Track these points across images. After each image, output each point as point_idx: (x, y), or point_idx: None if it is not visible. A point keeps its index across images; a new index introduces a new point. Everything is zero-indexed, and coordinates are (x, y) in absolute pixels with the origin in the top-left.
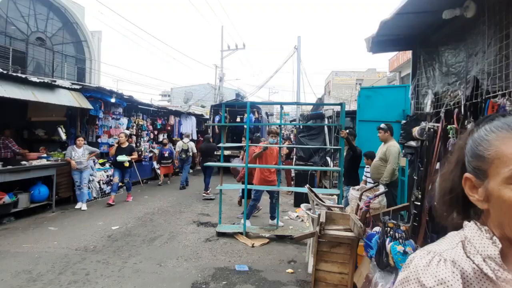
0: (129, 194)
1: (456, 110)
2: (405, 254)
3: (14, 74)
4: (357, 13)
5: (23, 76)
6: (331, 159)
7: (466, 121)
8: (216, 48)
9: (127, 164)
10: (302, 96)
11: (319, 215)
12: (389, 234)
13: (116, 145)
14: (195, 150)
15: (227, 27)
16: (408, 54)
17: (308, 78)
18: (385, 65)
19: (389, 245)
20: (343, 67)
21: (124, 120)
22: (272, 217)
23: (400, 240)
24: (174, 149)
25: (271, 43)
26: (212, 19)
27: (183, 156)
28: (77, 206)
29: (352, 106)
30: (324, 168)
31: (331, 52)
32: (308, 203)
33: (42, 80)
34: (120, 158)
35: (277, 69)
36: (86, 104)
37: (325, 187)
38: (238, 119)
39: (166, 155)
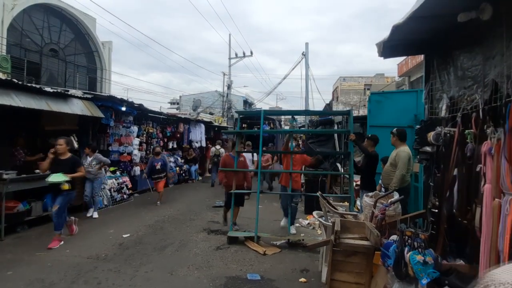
0: (54, 239)
1: (474, 114)
2: (425, 264)
3: (29, 84)
4: (366, 18)
5: (38, 86)
6: (341, 165)
7: (485, 126)
8: (224, 56)
9: (66, 187)
10: (310, 102)
11: (334, 223)
12: (407, 243)
13: (50, 156)
14: None
15: (235, 35)
16: (417, 59)
17: (316, 84)
18: (394, 69)
19: (408, 255)
20: (351, 72)
21: (135, 128)
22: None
23: (420, 250)
24: (179, 158)
25: (279, 49)
26: (220, 28)
27: (215, 160)
28: (88, 214)
29: (361, 112)
30: (333, 172)
31: (338, 57)
32: (320, 210)
33: (55, 90)
34: (53, 179)
35: (285, 76)
36: (97, 113)
37: (336, 193)
38: (256, 129)
39: (158, 167)
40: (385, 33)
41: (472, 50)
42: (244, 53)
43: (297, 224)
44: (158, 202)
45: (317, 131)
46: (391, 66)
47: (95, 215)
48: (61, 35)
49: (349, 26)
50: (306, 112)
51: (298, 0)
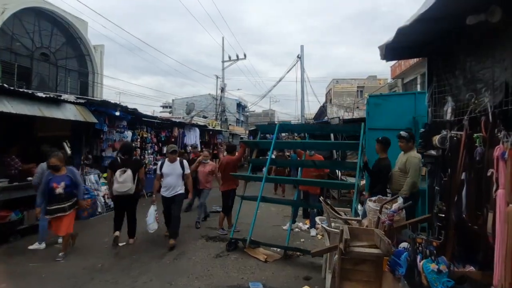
0: None
1: (483, 117)
2: (439, 272)
3: (21, 90)
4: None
5: (30, 91)
6: (339, 170)
7: (495, 130)
8: (217, 59)
9: None
10: (305, 105)
11: (342, 230)
12: (419, 251)
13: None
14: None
15: (228, 38)
16: (410, 61)
17: (312, 85)
18: (386, 71)
19: (421, 263)
20: (343, 74)
21: (129, 133)
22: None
23: (432, 258)
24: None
25: (272, 52)
26: (213, 30)
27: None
28: (32, 247)
29: (355, 114)
30: (343, 182)
31: (331, 59)
32: (321, 215)
33: (48, 95)
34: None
35: (280, 78)
36: (91, 118)
37: (333, 197)
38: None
39: (60, 190)
40: (378, 36)
41: (480, 52)
42: (237, 56)
43: (297, 229)
44: (61, 254)
45: (329, 142)
46: (384, 68)
47: (43, 245)
48: (52, 39)
49: (341, 29)
50: (322, 128)
51: (290, 3)
